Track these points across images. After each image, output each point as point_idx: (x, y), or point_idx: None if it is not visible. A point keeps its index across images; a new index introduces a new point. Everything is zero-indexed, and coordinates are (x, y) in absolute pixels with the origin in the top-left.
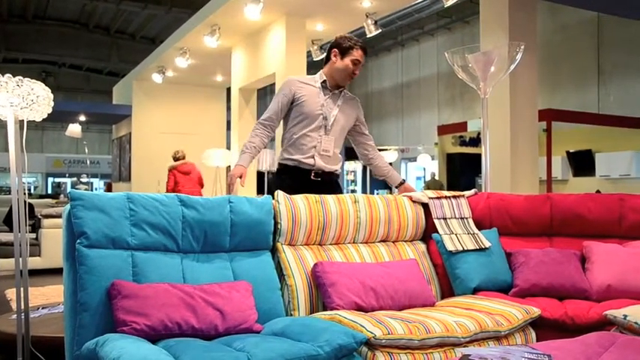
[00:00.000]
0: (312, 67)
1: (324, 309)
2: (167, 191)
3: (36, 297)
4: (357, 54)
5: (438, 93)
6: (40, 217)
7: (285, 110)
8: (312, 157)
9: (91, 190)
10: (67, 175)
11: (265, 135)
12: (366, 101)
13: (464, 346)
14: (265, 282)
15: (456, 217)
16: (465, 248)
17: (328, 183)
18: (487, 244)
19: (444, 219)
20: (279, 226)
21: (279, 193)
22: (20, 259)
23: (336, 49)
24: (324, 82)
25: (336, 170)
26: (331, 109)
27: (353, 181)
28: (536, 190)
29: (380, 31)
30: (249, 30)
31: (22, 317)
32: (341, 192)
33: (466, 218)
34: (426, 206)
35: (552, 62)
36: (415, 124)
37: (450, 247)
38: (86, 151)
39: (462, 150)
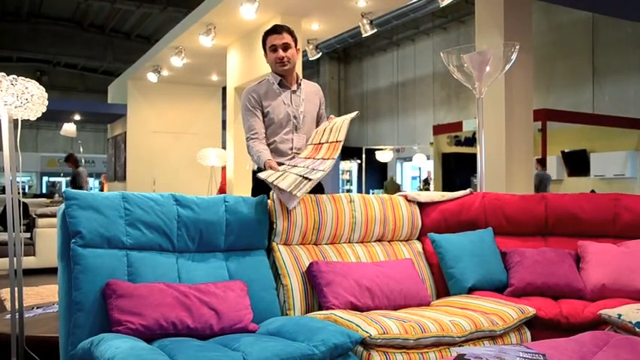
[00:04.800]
0: (308, 66)
1: (320, 308)
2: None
3: (30, 297)
4: (269, 40)
5: (433, 93)
6: (34, 216)
7: (262, 120)
8: (292, 158)
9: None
10: (61, 174)
11: (265, 145)
12: (361, 101)
13: (459, 346)
14: (261, 281)
15: (306, 167)
16: (269, 180)
17: None
18: (299, 193)
19: (294, 166)
20: (274, 226)
21: (275, 193)
22: (14, 258)
23: (264, 51)
24: (280, 81)
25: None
26: (298, 105)
27: (348, 181)
28: (531, 190)
29: (375, 30)
30: (245, 29)
31: (17, 317)
32: (323, 191)
33: (318, 170)
34: (421, 205)
35: (547, 62)
36: (410, 123)
37: (262, 175)
38: (81, 150)
39: (458, 150)
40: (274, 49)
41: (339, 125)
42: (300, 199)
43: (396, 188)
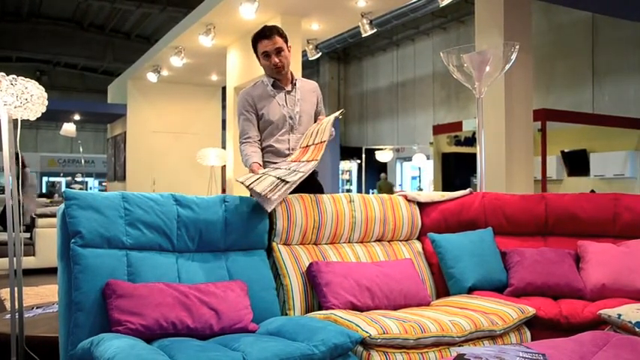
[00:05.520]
0: (307, 66)
1: (320, 308)
2: None
3: (30, 297)
4: (262, 46)
5: (433, 93)
6: (34, 216)
7: (257, 124)
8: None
9: (86, 190)
10: (61, 174)
11: (256, 148)
12: (361, 101)
13: (459, 346)
14: (260, 281)
15: (287, 169)
16: (245, 183)
17: (309, 182)
18: (274, 196)
19: (277, 169)
20: (274, 226)
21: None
22: (14, 258)
23: (255, 54)
24: (274, 83)
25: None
26: (293, 106)
27: (348, 181)
28: (531, 190)
29: (375, 30)
30: (245, 29)
31: (16, 317)
32: (322, 191)
33: (299, 171)
34: (421, 205)
35: (547, 62)
36: (410, 123)
37: (240, 178)
38: (81, 150)
39: (458, 150)
40: (267, 54)
41: (325, 126)
42: (279, 202)
43: (389, 188)
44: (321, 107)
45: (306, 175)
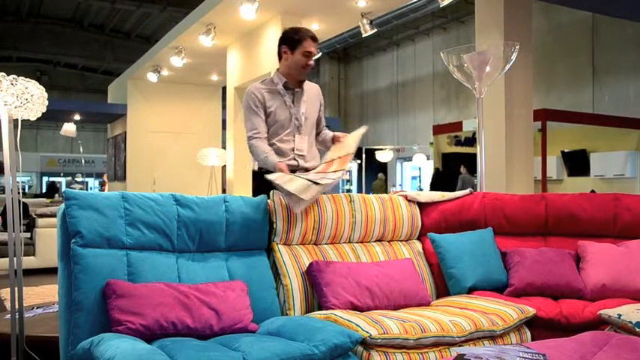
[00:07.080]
0: None
1: (320, 308)
2: None
3: (30, 297)
4: (307, 45)
5: (433, 93)
6: (34, 216)
7: (265, 119)
8: (294, 158)
9: (86, 190)
10: (61, 174)
11: (267, 144)
12: (361, 101)
13: (459, 346)
14: (261, 281)
15: (318, 177)
16: (277, 182)
17: None
18: (306, 196)
19: (305, 173)
20: (274, 226)
21: (275, 193)
22: (14, 258)
23: (285, 45)
24: (285, 82)
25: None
26: (299, 107)
27: (348, 181)
28: (531, 190)
29: (375, 30)
30: (245, 29)
31: (17, 317)
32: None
33: (328, 177)
34: (421, 205)
35: (547, 62)
36: (410, 123)
37: (271, 176)
38: (81, 150)
39: (458, 150)
40: (308, 55)
41: (350, 141)
42: (309, 205)
43: (379, 187)
44: (323, 112)
45: (335, 182)
